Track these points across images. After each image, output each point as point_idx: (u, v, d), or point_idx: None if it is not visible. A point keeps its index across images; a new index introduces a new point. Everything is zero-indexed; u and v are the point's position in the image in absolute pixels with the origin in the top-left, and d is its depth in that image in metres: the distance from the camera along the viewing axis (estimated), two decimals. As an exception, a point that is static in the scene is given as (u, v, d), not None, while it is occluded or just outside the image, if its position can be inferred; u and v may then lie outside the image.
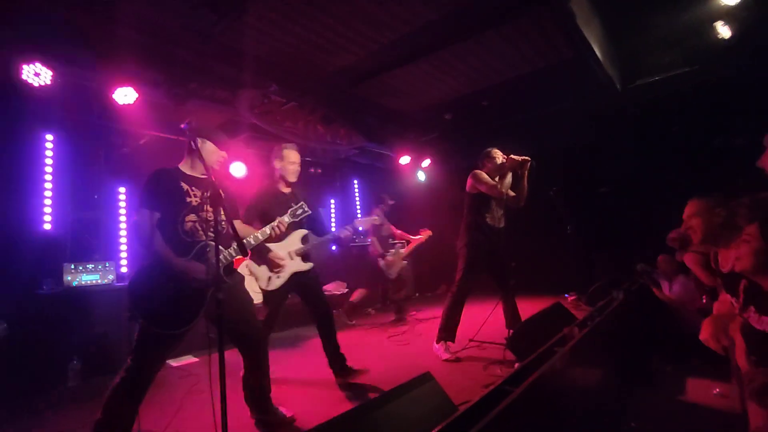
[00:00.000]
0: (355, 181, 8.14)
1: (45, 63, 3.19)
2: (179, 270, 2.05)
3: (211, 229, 2.23)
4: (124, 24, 3.39)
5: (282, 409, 2.49)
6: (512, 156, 3.46)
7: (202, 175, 2.28)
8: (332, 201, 7.61)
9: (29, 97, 3.46)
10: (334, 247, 7.38)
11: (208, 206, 2.22)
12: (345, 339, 4.52)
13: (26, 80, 3.14)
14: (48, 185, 3.96)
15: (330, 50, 4.20)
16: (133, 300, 2.02)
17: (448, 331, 3.58)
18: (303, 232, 3.09)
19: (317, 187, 7.34)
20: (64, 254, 3.86)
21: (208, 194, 2.14)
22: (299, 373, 3.43)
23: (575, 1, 3.56)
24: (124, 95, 3.57)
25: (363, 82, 5.00)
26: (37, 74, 3.17)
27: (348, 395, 2.85)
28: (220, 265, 2.12)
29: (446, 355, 3.49)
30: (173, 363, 3.76)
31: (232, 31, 3.70)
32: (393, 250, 5.57)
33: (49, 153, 4.01)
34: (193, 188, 2.23)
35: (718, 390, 2.77)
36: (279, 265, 2.89)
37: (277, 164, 3.06)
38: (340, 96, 5.26)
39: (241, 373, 2.42)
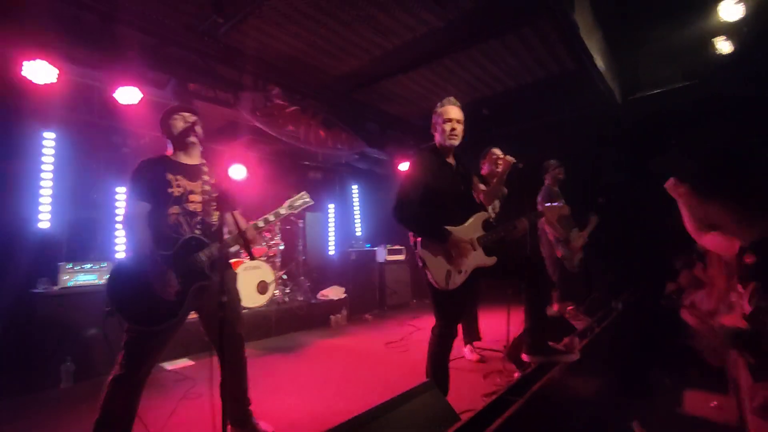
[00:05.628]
0: (354, 187, 8.14)
1: (50, 60, 3.16)
2: (150, 273, 1.96)
3: (198, 222, 2.15)
4: (129, 23, 3.39)
5: (262, 424, 2.29)
6: (507, 157, 3.21)
7: (198, 162, 2.25)
8: (331, 206, 7.60)
9: (30, 94, 3.43)
10: (332, 252, 7.35)
11: (195, 196, 2.16)
12: (341, 343, 4.53)
13: (27, 77, 3.11)
14: (47, 183, 3.93)
15: (334, 55, 4.21)
16: (110, 293, 1.96)
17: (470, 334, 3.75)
18: (484, 215, 2.46)
19: (316, 191, 7.33)
20: (60, 253, 3.82)
21: (210, 191, 2.20)
22: (296, 381, 3.37)
23: (578, 12, 3.60)
24: (127, 95, 3.57)
25: (365, 87, 5.02)
26: (41, 72, 3.13)
27: (347, 404, 2.81)
28: (206, 260, 2.08)
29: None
30: (168, 366, 3.70)
31: (237, 33, 3.71)
32: (574, 232, 4.34)
33: (49, 151, 3.99)
34: (178, 177, 2.15)
35: (715, 402, 2.78)
36: (461, 257, 2.24)
37: (438, 127, 2.44)
38: (341, 101, 5.27)
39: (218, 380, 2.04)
